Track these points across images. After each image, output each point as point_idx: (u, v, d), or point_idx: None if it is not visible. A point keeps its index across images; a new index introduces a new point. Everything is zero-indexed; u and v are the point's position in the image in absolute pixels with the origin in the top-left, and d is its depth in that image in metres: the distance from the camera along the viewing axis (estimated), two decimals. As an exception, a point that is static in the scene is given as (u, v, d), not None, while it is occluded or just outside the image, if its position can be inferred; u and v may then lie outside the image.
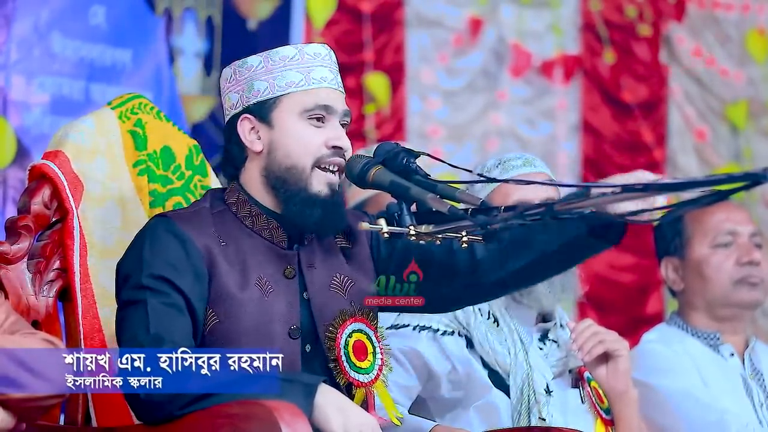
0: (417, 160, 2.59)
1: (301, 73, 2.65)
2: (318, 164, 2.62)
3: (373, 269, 2.75)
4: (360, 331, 2.66)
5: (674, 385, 3.60)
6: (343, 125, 2.68)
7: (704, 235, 3.75)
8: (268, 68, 2.66)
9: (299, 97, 2.64)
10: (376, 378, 2.66)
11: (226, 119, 2.71)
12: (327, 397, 2.38)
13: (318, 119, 2.64)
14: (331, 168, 2.63)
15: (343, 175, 2.66)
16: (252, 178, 2.67)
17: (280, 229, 2.66)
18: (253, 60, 2.68)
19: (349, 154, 2.66)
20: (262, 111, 2.65)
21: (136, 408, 2.48)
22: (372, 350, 2.67)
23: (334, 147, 2.63)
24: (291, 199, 2.62)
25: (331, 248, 2.73)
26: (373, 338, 2.68)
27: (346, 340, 2.63)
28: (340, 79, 2.71)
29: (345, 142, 2.65)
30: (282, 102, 2.64)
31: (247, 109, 2.66)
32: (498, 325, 3.19)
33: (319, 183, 2.62)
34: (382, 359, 2.67)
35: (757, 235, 3.78)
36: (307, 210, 2.61)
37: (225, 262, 2.60)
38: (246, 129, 2.66)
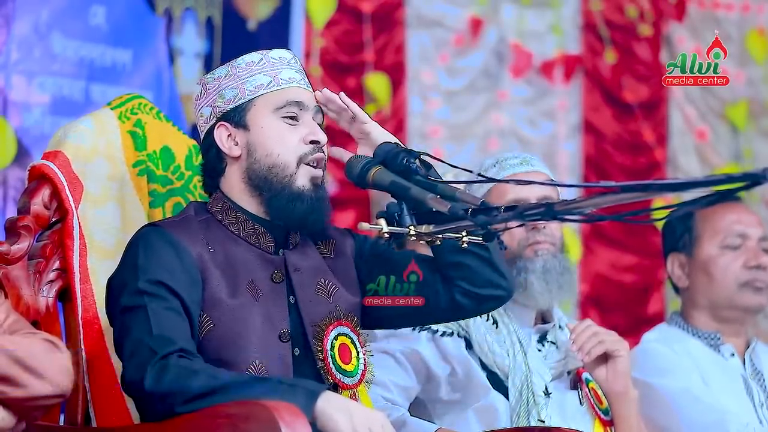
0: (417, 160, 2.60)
1: (269, 75, 2.69)
2: (301, 162, 2.65)
3: (359, 287, 2.78)
4: (345, 334, 2.68)
5: (674, 385, 3.60)
6: (318, 124, 2.71)
7: (714, 235, 3.74)
8: (235, 76, 2.70)
9: (270, 97, 2.68)
10: (360, 381, 2.68)
11: (202, 135, 2.74)
12: (330, 401, 2.37)
13: (291, 118, 2.67)
14: (313, 164, 2.66)
15: (325, 170, 2.69)
16: (233, 185, 2.69)
17: (266, 234, 2.68)
18: (220, 71, 2.72)
19: (326, 149, 2.69)
20: (236, 116, 2.68)
21: (139, 400, 2.49)
22: (356, 354, 2.69)
23: (311, 142, 2.66)
24: (275, 198, 2.64)
25: (315, 255, 2.75)
26: (357, 342, 2.70)
27: (332, 342, 2.64)
28: (308, 81, 2.75)
29: (321, 137, 2.67)
30: (254, 104, 2.68)
31: (221, 118, 2.69)
32: (497, 327, 3.19)
33: (303, 178, 2.65)
34: (365, 363, 2.69)
35: (767, 239, 3.78)
36: (290, 205, 2.64)
37: (215, 268, 2.61)
38: (223, 136, 2.69)
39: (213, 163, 2.72)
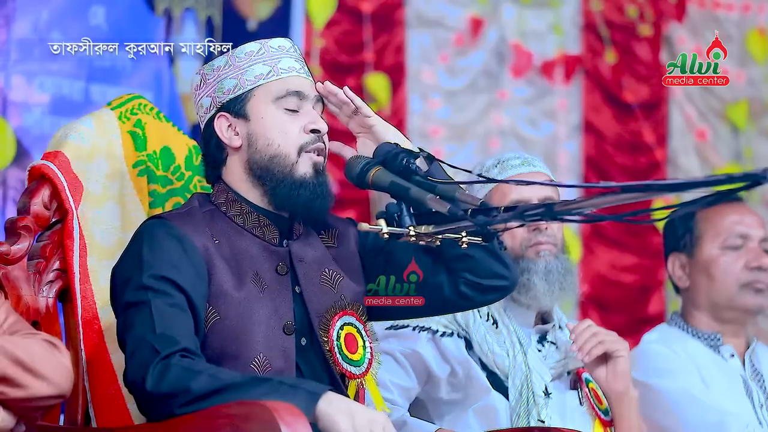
0: (417, 161, 2.60)
1: (268, 65, 2.69)
2: (302, 151, 2.66)
3: (362, 275, 2.78)
4: (350, 324, 2.68)
5: (674, 386, 3.60)
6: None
7: (715, 236, 3.74)
8: (234, 66, 2.70)
9: (270, 87, 2.68)
10: (367, 371, 2.68)
11: (202, 125, 2.74)
12: (332, 403, 2.36)
13: (291, 107, 2.67)
14: (314, 152, 2.67)
15: (326, 159, 2.69)
16: (235, 176, 2.69)
17: (271, 226, 2.68)
18: (219, 61, 2.73)
19: (327, 138, 2.69)
20: (235, 106, 2.68)
21: (140, 400, 2.48)
22: (362, 343, 2.68)
23: (312, 131, 2.66)
24: (278, 187, 2.65)
25: (318, 245, 2.75)
26: (363, 332, 2.70)
27: (338, 332, 2.64)
28: (308, 69, 2.75)
29: (322, 125, 2.68)
30: (254, 94, 2.68)
31: (221, 108, 2.69)
32: (497, 327, 3.19)
33: (305, 165, 2.65)
34: (371, 353, 2.69)
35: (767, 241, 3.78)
36: (294, 193, 2.64)
37: (221, 260, 2.61)
38: (223, 126, 2.69)
39: (214, 153, 2.71)
